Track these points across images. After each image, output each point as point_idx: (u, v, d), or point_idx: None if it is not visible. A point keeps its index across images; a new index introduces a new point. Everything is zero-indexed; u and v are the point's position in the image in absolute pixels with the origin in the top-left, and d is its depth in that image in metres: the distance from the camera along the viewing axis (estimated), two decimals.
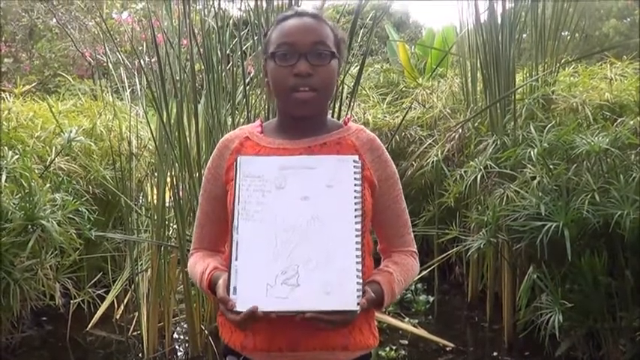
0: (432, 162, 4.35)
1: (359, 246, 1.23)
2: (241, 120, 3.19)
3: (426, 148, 4.65)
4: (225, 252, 1.47)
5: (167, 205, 3.53)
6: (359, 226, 1.25)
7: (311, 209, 1.25)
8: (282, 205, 1.25)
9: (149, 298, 3.58)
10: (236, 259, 1.23)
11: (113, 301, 4.07)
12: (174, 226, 3.43)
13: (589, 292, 3.03)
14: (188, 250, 1.56)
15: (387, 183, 1.43)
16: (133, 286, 3.86)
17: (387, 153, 1.46)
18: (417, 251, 1.50)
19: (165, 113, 3.14)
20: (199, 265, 1.43)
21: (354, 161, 1.29)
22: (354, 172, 1.28)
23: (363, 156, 1.39)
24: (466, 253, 3.63)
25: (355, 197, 1.26)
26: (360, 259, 1.23)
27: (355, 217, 1.25)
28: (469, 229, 3.92)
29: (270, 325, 1.25)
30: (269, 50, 1.38)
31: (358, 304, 1.21)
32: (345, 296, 1.20)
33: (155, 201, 3.55)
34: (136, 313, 3.80)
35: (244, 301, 1.20)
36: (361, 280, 1.22)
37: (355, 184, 1.27)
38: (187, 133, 3.23)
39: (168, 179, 3.39)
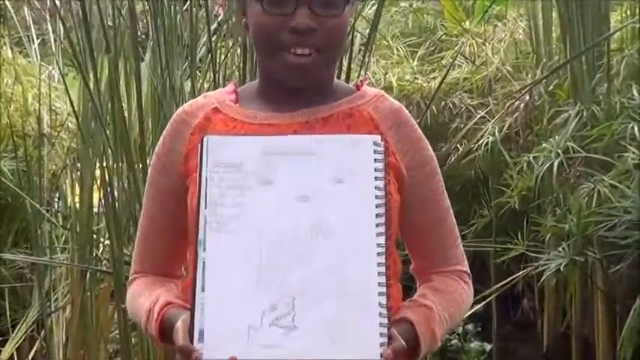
0: (486, 144, 4.35)
1: (382, 269, 1.24)
2: (205, 85, 3.19)
3: (476, 123, 4.65)
4: (183, 277, 1.49)
5: (96, 211, 3.53)
6: (382, 240, 1.25)
7: (312, 215, 1.25)
8: (269, 209, 1.26)
9: (68, 349, 3.59)
10: (202, 290, 1.23)
11: (13, 355, 4.06)
12: (107, 241, 3.43)
13: None
14: (126, 277, 1.57)
15: (422, 172, 1.44)
16: (43, 332, 3.85)
17: (420, 129, 1.47)
18: (469, 271, 1.51)
19: (92, 76, 3.14)
20: (144, 298, 1.43)
21: (375, 143, 1.30)
22: (375, 160, 1.28)
23: (386, 134, 1.40)
24: (539, 277, 3.63)
25: (377, 197, 1.27)
26: (383, 289, 1.23)
27: (377, 225, 1.25)
28: (542, 242, 3.92)
29: None
30: None
31: (381, 354, 1.20)
32: (363, 343, 1.21)
33: (78, 205, 3.55)
34: None
35: (215, 351, 1.20)
36: (386, 320, 1.22)
37: (377, 178, 1.28)
38: (125, 105, 3.23)
39: (98, 173, 3.39)
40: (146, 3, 3.20)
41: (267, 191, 1.27)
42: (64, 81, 3.76)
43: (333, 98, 1.44)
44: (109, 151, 3.24)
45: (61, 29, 3.52)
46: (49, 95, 4.19)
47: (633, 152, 3.29)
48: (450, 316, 1.42)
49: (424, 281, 1.49)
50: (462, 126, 4.75)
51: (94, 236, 3.58)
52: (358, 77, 2.92)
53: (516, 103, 4.49)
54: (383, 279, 1.24)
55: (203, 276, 1.24)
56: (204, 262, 1.24)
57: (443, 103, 4.90)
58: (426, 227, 1.47)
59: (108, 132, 3.20)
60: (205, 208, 1.26)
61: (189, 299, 1.25)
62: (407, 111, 1.47)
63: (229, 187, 1.27)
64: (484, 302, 4.16)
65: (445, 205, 1.48)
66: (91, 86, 3.15)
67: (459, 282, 1.48)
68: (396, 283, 1.42)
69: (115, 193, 3.24)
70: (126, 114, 3.21)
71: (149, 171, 1.51)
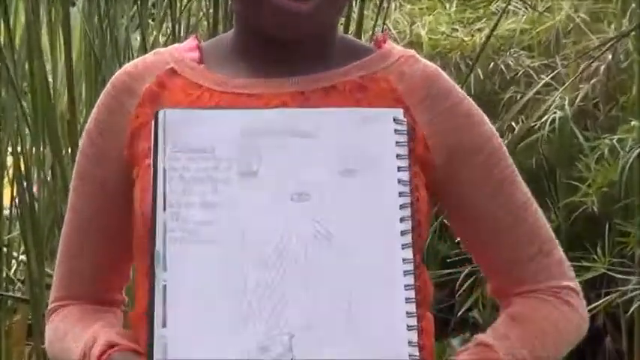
0: (553, 121, 4.33)
1: (411, 293, 1.22)
2: (161, 39, 3.19)
3: (539, 92, 4.62)
4: (126, 304, 1.49)
5: (7, 214, 3.57)
6: (409, 254, 1.23)
7: (313, 219, 1.22)
8: (254, 211, 1.23)
9: None
10: (163, 325, 1.18)
11: None
12: (22, 256, 3.42)
13: None
14: (46, 305, 1.54)
15: (477, 160, 1.41)
16: None
17: (469, 98, 1.43)
18: (573, 285, 1.45)
19: (2, 26, 3.11)
20: (74, 336, 1.39)
21: (396, 120, 1.27)
22: (397, 143, 1.26)
23: (414, 110, 1.38)
24: (627, 308, 3.63)
25: (401, 194, 1.25)
26: (413, 320, 1.21)
27: (402, 234, 1.23)
28: (631, 258, 3.92)
29: None
30: None
31: None
32: None
33: None
34: None
35: None
36: None
37: (400, 168, 1.26)
38: (50, 67, 3.21)
39: (9, 160, 3.38)
40: None
41: (250, 186, 1.24)
42: None
43: (339, 60, 1.41)
44: (26, 130, 3.23)
45: None
46: None
47: None
48: (530, 352, 1.38)
49: (505, 306, 1.46)
50: (519, 96, 4.73)
51: (5, 250, 3.57)
52: (374, 29, 2.92)
53: (594, 64, 4.48)
54: (412, 307, 1.22)
55: (164, 305, 1.19)
56: (164, 286, 1.20)
57: (492, 64, 4.91)
58: (495, 233, 1.44)
59: (24, 103, 3.18)
60: (164, 210, 1.22)
61: (145, 338, 1.22)
62: (446, 76, 1.44)
63: (197, 180, 1.23)
64: None
65: (522, 200, 1.44)
66: (1, 40, 3.11)
67: (552, 303, 1.43)
68: (427, 312, 1.39)
69: (34, 190, 3.23)
70: (50, 79, 3.20)
71: (77, 157, 1.46)
